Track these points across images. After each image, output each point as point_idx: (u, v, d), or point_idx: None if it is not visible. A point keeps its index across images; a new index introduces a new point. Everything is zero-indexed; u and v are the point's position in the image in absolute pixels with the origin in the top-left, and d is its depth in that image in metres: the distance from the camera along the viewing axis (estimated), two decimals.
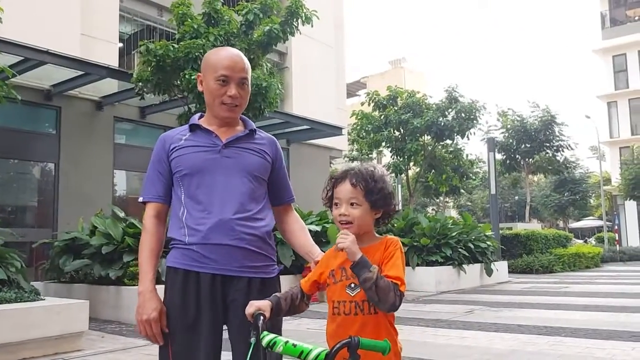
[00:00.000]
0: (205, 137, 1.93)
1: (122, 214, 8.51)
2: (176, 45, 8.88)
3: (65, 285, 7.89)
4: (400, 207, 22.06)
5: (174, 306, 1.85)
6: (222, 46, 2.28)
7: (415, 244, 11.18)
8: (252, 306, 1.59)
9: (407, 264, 10.87)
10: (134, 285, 6.89)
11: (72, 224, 9.04)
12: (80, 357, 4.93)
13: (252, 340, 1.47)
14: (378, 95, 17.53)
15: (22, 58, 9.27)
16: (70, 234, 8.27)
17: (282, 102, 14.91)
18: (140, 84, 9.24)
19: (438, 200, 34.24)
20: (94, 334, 5.99)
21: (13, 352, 4.74)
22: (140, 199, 1.97)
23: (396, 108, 17.03)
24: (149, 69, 8.94)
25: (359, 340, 1.34)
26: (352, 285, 1.63)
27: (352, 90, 40.24)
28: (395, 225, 12.01)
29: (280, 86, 9.80)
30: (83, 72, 10.28)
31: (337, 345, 1.33)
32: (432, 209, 36.05)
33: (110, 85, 11.11)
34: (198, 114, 2.04)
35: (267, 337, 1.42)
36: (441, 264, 10.92)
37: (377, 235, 1.72)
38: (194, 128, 1.95)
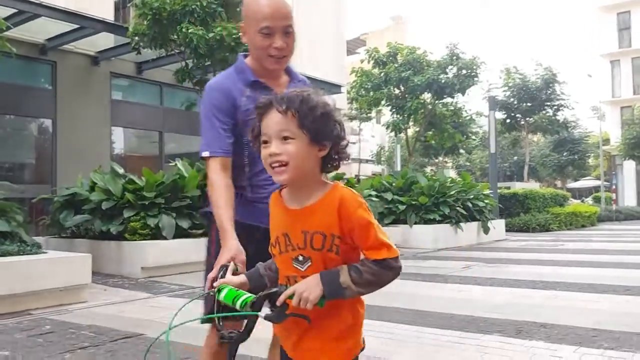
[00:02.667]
0: (266, 94, 1.83)
1: (121, 171, 8.51)
2: None
3: (67, 240, 7.95)
4: (399, 167, 22.08)
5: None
6: None
7: (413, 202, 11.24)
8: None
9: (405, 222, 10.99)
10: (134, 240, 6.97)
11: (71, 180, 9.04)
12: (84, 308, 5.01)
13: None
14: (378, 52, 17.27)
15: (16, 10, 9.07)
16: (70, 190, 8.28)
17: None
18: (136, 38, 9.08)
19: (437, 161, 34.22)
20: (97, 287, 6.08)
21: (19, 303, 4.83)
22: (206, 154, 1.82)
23: (396, 65, 16.81)
24: (145, 22, 8.77)
25: (286, 289, 1.24)
26: (300, 257, 1.30)
27: (351, 47, 39.56)
28: (394, 184, 12.06)
29: None
30: (78, 26, 10.08)
31: (262, 294, 1.25)
32: (431, 170, 36.11)
33: (106, 40, 10.91)
34: (243, 59, 1.92)
35: (220, 282, 1.35)
36: (439, 222, 11.02)
37: (326, 181, 1.33)
38: (256, 85, 1.85)
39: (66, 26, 10.07)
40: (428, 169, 36.41)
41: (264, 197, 1.75)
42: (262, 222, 1.73)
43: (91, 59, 11.54)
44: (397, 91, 17.11)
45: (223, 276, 1.42)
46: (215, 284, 1.35)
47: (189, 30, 8.35)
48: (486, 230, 12.17)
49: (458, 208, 11.46)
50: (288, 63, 1.91)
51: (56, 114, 10.96)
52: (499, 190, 16.32)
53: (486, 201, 12.49)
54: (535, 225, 15.83)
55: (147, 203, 7.20)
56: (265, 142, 1.29)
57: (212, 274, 1.47)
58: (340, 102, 18.44)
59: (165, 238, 7.00)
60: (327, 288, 1.22)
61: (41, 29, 10.06)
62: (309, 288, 1.21)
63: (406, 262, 8.54)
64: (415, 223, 11.01)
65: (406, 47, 17.25)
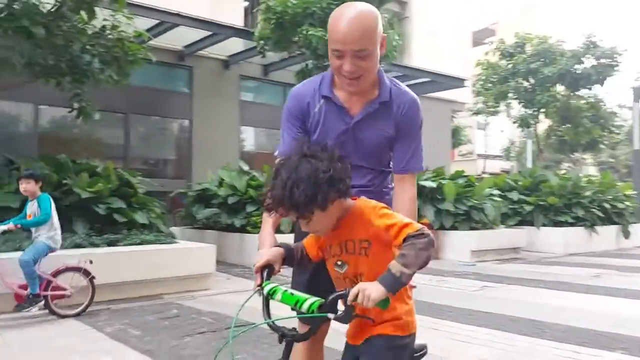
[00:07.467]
0: (337, 112, 1.86)
1: (246, 168, 9.08)
2: (294, 1, 9.00)
3: (198, 231, 8.68)
4: (530, 164, 20.75)
5: None
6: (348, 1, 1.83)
7: (541, 203, 10.55)
8: (262, 258, 1.56)
9: (532, 224, 10.36)
10: (255, 233, 7.41)
11: (205, 175, 9.83)
12: (208, 295, 5.46)
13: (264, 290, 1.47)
14: (504, 44, 16.39)
15: (157, 21, 10.03)
16: (201, 185, 9.02)
17: (401, 54, 14.56)
18: (261, 42, 9.56)
19: (574, 157, 31.59)
20: (221, 276, 6.58)
21: (150, 288, 5.40)
22: (277, 154, 1.89)
23: (525, 56, 15.82)
24: (270, 26, 9.20)
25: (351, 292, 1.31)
26: (339, 262, 1.55)
27: (479, 38, 37.82)
28: (521, 183, 11.40)
29: (398, 37, 9.57)
30: (211, 33, 10.87)
31: (331, 297, 1.32)
32: (568, 167, 33.41)
33: (235, 44, 11.63)
34: (330, 75, 1.89)
35: (269, 286, 1.45)
36: (571, 224, 10.23)
37: (347, 203, 1.51)
38: (328, 100, 1.86)
39: (201, 33, 10.92)
40: (565, 166, 33.75)
41: None
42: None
43: (223, 63, 12.39)
44: (525, 83, 16.10)
45: (268, 276, 1.53)
46: (258, 284, 1.52)
47: (309, 32, 8.62)
48: (626, 234, 11.07)
49: (594, 210, 10.55)
50: (366, 84, 1.82)
51: (192, 114, 11.95)
52: None
53: (627, 203, 11.35)
54: None
55: None
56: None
57: (258, 266, 1.56)
58: (464, 96, 17.82)
59: (282, 232, 7.35)
60: (388, 286, 1.31)
61: (179, 37, 11.01)
62: (370, 287, 1.31)
63: (529, 266, 8.07)
64: (544, 225, 10.33)
65: (535, 36, 16.14)
